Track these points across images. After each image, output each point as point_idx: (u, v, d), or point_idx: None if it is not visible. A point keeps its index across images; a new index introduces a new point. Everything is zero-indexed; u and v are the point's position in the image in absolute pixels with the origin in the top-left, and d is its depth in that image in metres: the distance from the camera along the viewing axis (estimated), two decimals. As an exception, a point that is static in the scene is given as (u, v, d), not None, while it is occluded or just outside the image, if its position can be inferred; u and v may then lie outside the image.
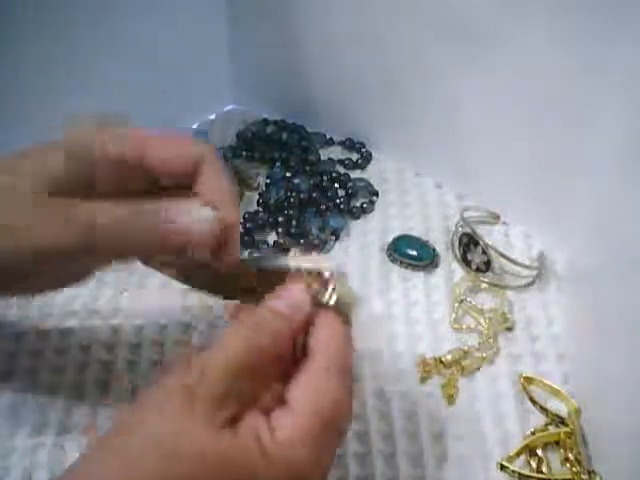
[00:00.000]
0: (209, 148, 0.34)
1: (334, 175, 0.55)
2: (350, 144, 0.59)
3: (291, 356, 0.30)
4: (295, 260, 0.32)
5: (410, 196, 0.55)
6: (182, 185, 0.34)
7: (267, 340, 0.29)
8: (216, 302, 0.44)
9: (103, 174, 0.33)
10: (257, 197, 0.54)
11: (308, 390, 0.28)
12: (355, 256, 0.51)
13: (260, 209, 0.53)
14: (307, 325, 0.30)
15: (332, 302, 0.30)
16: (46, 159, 0.32)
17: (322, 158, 0.58)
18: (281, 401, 0.28)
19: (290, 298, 0.30)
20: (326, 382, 0.28)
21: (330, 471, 0.29)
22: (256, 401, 0.28)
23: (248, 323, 0.29)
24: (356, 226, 0.53)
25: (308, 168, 0.56)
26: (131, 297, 0.47)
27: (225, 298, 0.37)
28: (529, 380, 0.42)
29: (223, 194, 0.33)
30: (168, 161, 0.33)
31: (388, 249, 0.50)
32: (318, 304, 0.30)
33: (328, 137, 0.60)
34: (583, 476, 0.38)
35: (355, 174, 0.57)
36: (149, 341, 0.44)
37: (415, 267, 0.49)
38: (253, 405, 0.28)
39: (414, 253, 0.49)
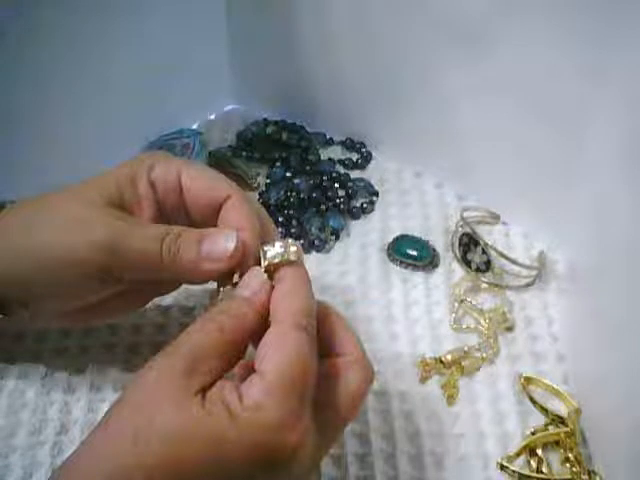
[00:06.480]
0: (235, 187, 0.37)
1: (334, 175, 0.55)
2: (350, 144, 0.59)
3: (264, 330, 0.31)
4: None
5: (410, 196, 0.55)
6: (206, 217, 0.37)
7: (232, 322, 0.30)
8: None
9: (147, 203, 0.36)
10: (257, 197, 0.54)
11: (270, 352, 0.29)
12: (355, 256, 0.51)
13: (260, 209, 0.53)
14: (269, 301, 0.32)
15: (277, 260, 0.33)
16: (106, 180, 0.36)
17: (322, 158, 0.58)
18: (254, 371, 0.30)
19: (250, 284, 0.32)
20: (284, 339, 0.29)
21: (308, 440, 0.29)
22: (227, 374, 0.30)
23: (217, 309, 0.31)
24: (356, 226, 0.53)
25: (308, 168, 0.56)
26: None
27: None
28: (529, 380, 0.42)
29: (246, 221, 0.35)
30: (199, 198, 0.36)
31: (388, 249, 0.50)
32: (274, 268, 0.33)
33: (328, 137, 0.60)
34: (583, 476, 0.38)
35: (355, 174, 0.57)
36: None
37: (415, 267, 0.49)
38: (222, 378, 0.29)
39: (414, 253, 0.49)
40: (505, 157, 0.49)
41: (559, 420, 0.40)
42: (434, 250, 0.50)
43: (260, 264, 0.33)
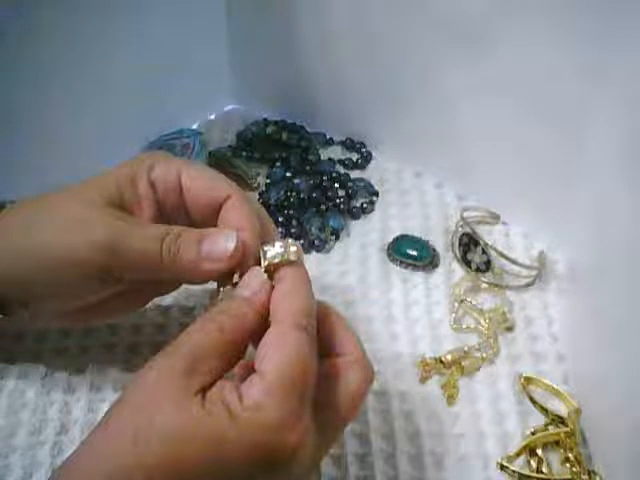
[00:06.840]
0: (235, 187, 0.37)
1: (334, 175, 0.55)
2: (350, 144, 0.59)
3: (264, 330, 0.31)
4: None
5: (410, 196, 0.55)
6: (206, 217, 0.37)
7: (232, 322, 0.30)
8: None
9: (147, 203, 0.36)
10: (257, 197, 0.54)
11: (270, 352, 0.29)
12: (355, 256, 0.51)
13: (260, 209, 0.53)
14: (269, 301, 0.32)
15: (277, 260, 0.33)
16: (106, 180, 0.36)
17: (322, 158, 0.58)
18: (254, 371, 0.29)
19: (250, 284, 0.32)
20: (284, 339, 0.29)
21: (308, 440, 0.29)
22: (227, 374, 0.30)
23: (217, 309, 0.31)
24: (356, 226, 0.53)
25: (308, 168, 0.56)
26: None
27: None
28: (529, 380, 0.42)
29: (246, 221, 0.35)
30: (199, 198, 0.36)
31: (388, 249, 0.50)
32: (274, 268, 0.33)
33: (328, 137, 0.60)
34: (583, 476, 0.38)
35: (355, 174, 0.57)
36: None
37: (415, 267, 0.49)
38: (222, 378, 0.29)
39: (414, 253, 0.49)
40: (505, 157, 0.49)
41: (559, 420, 0.40)
42: (434, 250, 0.50)
43: (260, 264, 0.33)
